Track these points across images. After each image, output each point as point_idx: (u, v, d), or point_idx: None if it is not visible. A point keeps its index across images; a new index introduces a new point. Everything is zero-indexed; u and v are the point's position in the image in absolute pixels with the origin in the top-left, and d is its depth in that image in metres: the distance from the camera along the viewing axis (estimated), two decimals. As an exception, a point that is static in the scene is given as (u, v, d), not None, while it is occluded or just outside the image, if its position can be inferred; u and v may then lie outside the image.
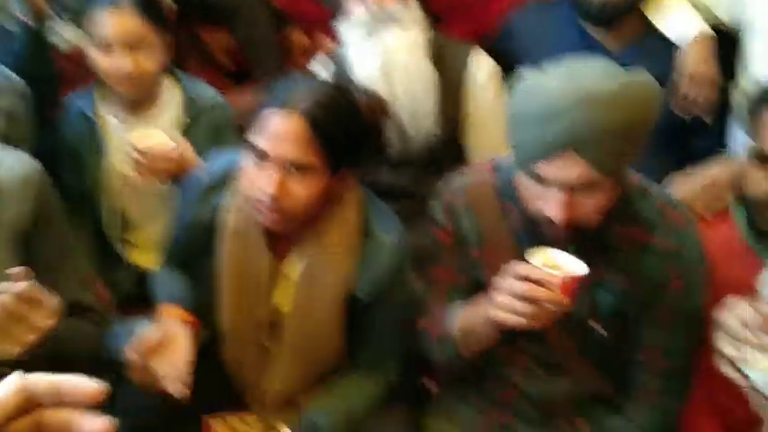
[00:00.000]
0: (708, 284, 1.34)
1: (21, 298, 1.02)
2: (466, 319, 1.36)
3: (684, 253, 1.31)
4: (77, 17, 1.78)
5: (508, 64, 1.85)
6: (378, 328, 1.42)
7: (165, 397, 1.26)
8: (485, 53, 1.85)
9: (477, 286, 1.41)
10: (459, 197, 1.40)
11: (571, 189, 1.18)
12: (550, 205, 1.20)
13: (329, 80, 1.33)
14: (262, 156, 1.25)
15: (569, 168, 1.16)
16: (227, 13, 2.01)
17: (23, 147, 1.61)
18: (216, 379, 1.41)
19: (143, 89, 1.69)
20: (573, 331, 1.37)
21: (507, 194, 1.36)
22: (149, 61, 1.66)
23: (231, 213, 1.35)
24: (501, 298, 1.18)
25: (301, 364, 1.41)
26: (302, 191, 1.25)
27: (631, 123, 1.16)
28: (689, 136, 1.89)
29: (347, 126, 1.29)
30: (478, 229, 1.39)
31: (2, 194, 1.21)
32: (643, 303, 1.34)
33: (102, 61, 1.65)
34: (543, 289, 1.13)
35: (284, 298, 1.39)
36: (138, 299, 1.81)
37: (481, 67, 1.81)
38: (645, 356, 1.37)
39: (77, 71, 1.85)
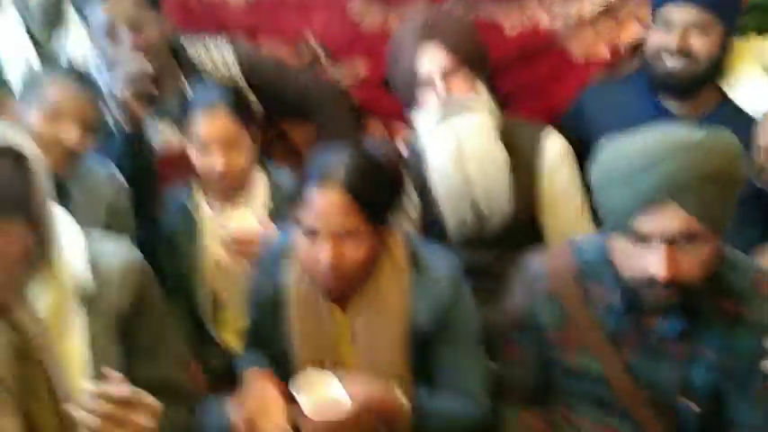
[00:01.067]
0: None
1: (121, 403, 1.05)
2: None
3: None
4: (176, 119, 1.95)
5: (580, 142, 1.87)
6: (455, 357, 1.44)
7: None
8: (556, 132, 1.88)
9: (553, 366, 1.43)
10: (539, 282, 1.41)
11: (673, 242, 1.17)
12: (652, 262, 1.18)
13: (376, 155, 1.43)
14: (313, 232, 1.33)
15: (670, 219, 1.16)
16: (309, 110, 2.13)
17: (124, 237, 1.77)
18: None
19: (235, 182, 1.82)
20: (663, 408, 1.34)
21: (589, 276, 1.37)
22: (241, 158, 1.81)
23: (293, 286, 1.44)
24: None
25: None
26: (356, 254, 1.34)
27: (726, 169, 1.17)
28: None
29: (381, 186, 1.37)
30: (560, 313, 1.39)
31: (103, 282, 1.27)
32: (737, 379, 1.30)
33: (199, 159, 1.81)
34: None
35: (348, 350, 1.44)
36: (230, 378, 1.88)
37: (553, 146, 1.85)
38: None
39: (176, 168, 2.00)
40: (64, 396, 1.18)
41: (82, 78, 1.73)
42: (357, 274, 1.37)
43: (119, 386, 1.07)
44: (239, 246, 1.70)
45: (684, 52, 1.78)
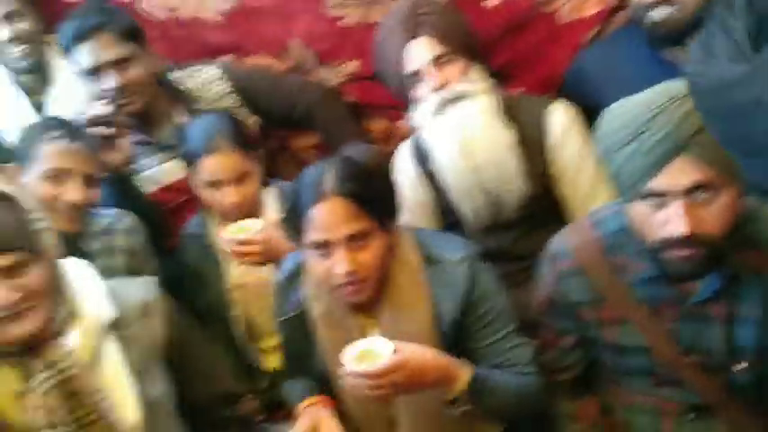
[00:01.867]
0: None
1: None
2: None
3: None
4: (176, 151, 1.92)
5: (584, 104, 1.85)
6: (487, 334, 1.44)
7: None
8: (561, 102, 1.85)
9: (593, 344, 1.43)
10: (565, 261, 1.41)
11: (689, 196, 1.15)
12: (672, 221, 1.16)
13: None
14: (323, 246, 1.34)
15: (682, 171, 1.14)
16: (304, 116, 2.10)
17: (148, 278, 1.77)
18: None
19: (249, 210, 1.81)
20: (713, 372, 1.33)
21: (615, 248, 1.35)
22: (251, 186, 1.80)
23: (314, 301, 1.45)
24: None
25: (422, 421, 1.43)
26: (369, 256, 1.35)
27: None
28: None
29: (374, 184, 1.38)
30: (590, 289, 1.38)
31: (126, 316, 1.34)
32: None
33: (211, 196, 1.80)
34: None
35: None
36: (281, 403, 1.90)
37: (559, 117, 1.81)
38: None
39: (184, 199, 2.00)
40: (117, 424, 1.26)
41: (74, 132, 1.68)
42: (374, 277, 1.38)
43: None
44: (240, 248, 1.69)
45: (666, 0, 1.74)
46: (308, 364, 1.54)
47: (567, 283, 1.41)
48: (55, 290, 1.26)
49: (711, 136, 1.11)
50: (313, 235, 1.35)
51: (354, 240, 1.33)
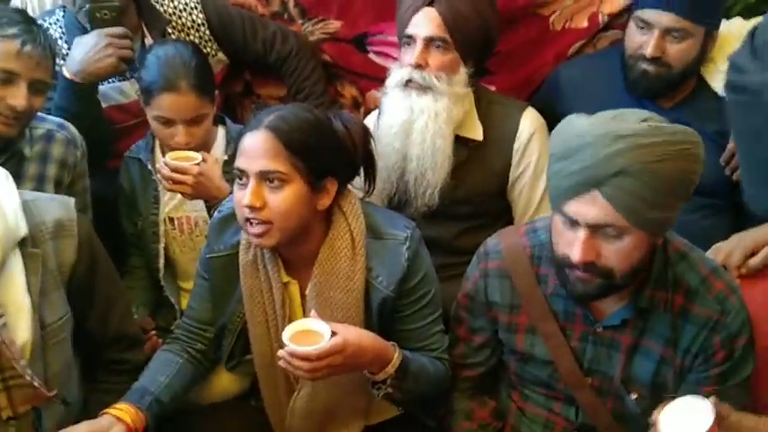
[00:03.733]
0: (753, 354, 1.31)
1: None
2: None
3: (727, 321, 1.28)
4: (136, 75, 1.86)
5: (553, 116, 1.80)
6: (414, 318, 1.43)
7: None
8: (533, 111, 1.84)
9: (501, 347, 1.44)
10: (493, 261, 1.42)
11: (592, 230, 1.18)
12: (573, 245, 1.20)
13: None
14: (240, 174, 1.33)
15: (592, 207, 1.17)
16: (276, 65, 2.07)
17: (76, 193, 1.72)
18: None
19: (195, 149, 1.75)
20: (608, 396, 1.36)
21: (541, 258, 1.37)
22: (202, 129, 1.75)
23: (244, 247, 1.43)
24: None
25: (323, 384, 1.40)
26: (281, 201, 1.32)
27: (659, 171, 1.14)
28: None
29: (316, 138, 1.35)
30: (513, 293, 1.40)
31: (37, 234, 1.30)
32: (680, 374, 1.32)
33: (160, 131, 1.74)
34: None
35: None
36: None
37: (529, 125, 1.80)
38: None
39: (134, 122, 1.94)
40: (6, 343, 1.22)
41: (31, 32, 1.56)
42: (284, 227, 1.33)
43: None
44: (173, 174, 1.64)
45: (658, 61, 1.74)
46: (211, 313, 1.50)
47: (490, 282, 1.42)
48: None
49: (633, 183, 1.14)
50: (238, 161, 1.35)
51: (268, 179, 1.31)
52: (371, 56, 2.12)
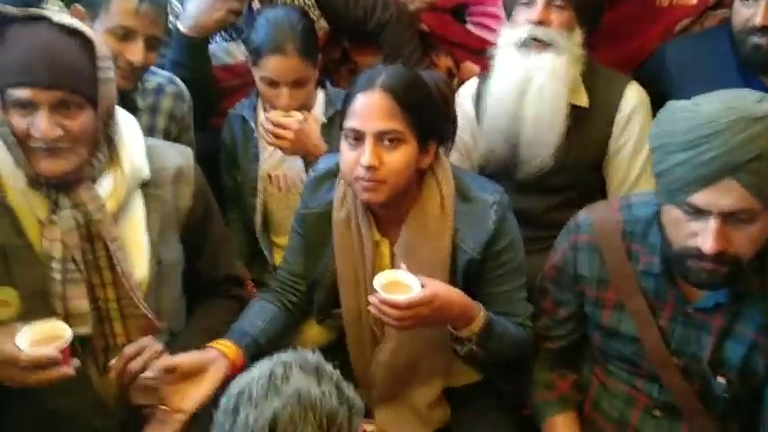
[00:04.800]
0: None
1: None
2: None
3: None
4: (243, 37, 1.95)
5: (657, 94, 1.81)
6: (500, 281, 1.45)
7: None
8: (638, 85, 1.81)
9: (587, 321, 1.44)
10: (584, 235, 1.41)
11: (726, 218, 1.15)
12: (703, 236, 1.16)
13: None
14: (355, 135, 1.35)
15: (726, 195, 1.13)
16: (375, 32, 2.11)
17: (184, 144, 1.80)
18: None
19: (298, 109, 1.82)
20: (694, 378, 1.34)
21: (634, 235, 1.35)
22: (305, 92, 1.82)
23: (338, 204, 1.46)
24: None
25: (406, 340, 1.45)
26: (396, 160, 1.35)
27: None
28: None
29: (426, 100, 1.38)
30: (602, 268, 1.39)
31: (159, 177, 1.38)
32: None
33: (266, 90, 1.82)
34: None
35: None
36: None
37: (633, 98, 1.78)
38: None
39: (239, 82, 2.03)
40: (125, 275, 1.31)
41: None
42: (394, 184, 1.36)
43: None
44: (275, 129, 1.73)
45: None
46: (304, 267, 1.56)
47: (580, 255, 1.41)
48: (98, 139, 1.29)
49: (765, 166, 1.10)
50: (350, 122, 1.36)
51: (385, 139, 1.34)
52: (469, 26, 2.14)
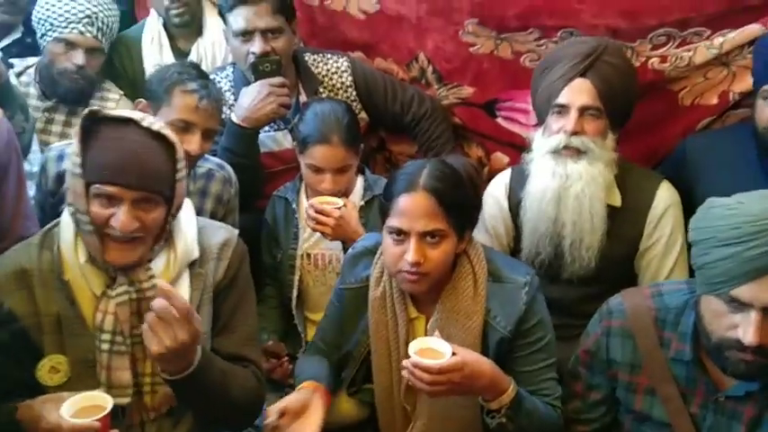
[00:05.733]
0: None
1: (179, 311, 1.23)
2: None
3: None
4: (290, 126, 2.10)
5: (678, 188, 1.87)
6: (529, 360, 1.49)
7: None
8: (670, 185, 1.86)
9: (618, 405, 1.45)
10: (617, 320, 1.45)
11: (765, 312, 1.19)
12: (744, 328, 1.20)
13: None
14: (400, 233, 1.43)
15: None
16: (411, 125, 2.24)
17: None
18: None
19: (339, 194, 1.93)
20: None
21: (666, 323, 1.39)
22: (349, 177, 1.95)
23: (374, 283, 1.54)
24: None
25: (437, 419, 1.48)
26: (439, 255, 1.43)
27: None
28: None
29: (464, 193, 1.47)
30: (634, 353, 1.42)
31: (205, 254, 1.45)
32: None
33: (310, 177, 1.94)
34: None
35: None
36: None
37: (665, 197, 1.83)
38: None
39: (284, 168, 2.17)
40: None
41: (208, 88, 1.78)
42: (436, 275, 1.45)
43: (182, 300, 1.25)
44: (317, 215, 1.81)
45: None
46: (339, 338, 1.62)
47: (612, 341, 1.45)
48: (165, 229, 1.37)
49: None
50: (395, 221, 1.44)
51: (429, 236, 1.42)
52: (500, 120, 2.24)
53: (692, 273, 1.76)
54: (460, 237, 1.47)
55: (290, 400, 1.48)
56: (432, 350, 1.35)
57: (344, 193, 1.94)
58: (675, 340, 1.37)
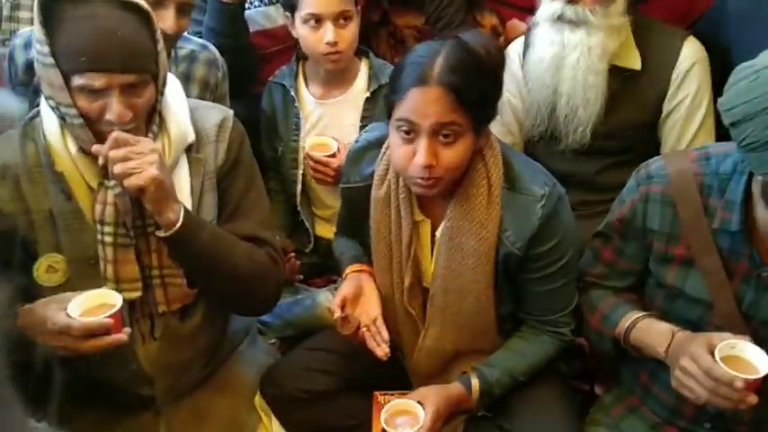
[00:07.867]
0: None
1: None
2: (647, 338, 1.31)
3: None
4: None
5: (716, 47, 1.72)
6: (541, 282, 1.38)
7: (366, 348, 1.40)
8: (695, 39, 1.73)
9: (648, 278, 1.36)
10: (657, 185, 1.31)
11: None
12: None
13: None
14: (410, 129, 1.26)
15: None
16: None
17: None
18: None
19: (340, 60, 1.77)
20: (763, 345, 1.22)
21: (712, 189, 1.26)
22: (350, 32, 1.76)
23: (378, 181, 1.40)
24: (687, 381, 1.19)
25: (450, 327, 1.42)
26: (453, 156, 1.26)
27: None
28: None
29: (484, 84, 1.27)
30: (673, 222, 1.30)
31: (202, 138, 1.35)
32: None
33: (309, 35, 1.75)
34: (725, 388, 1.14)
35: (427, 259, 1.41)
36: (321, 270, 1.92)
37: (690, 54, 1.70)
38: None
39: (279, 48, 1.98)
40: None
41: None
42: (450, 178, 1.29)
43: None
44: (316, 167, 1.75)
45: None
46: (358, 232, 1.53)
47: (650, 207, 1.32)
48: (154, 109, 1.27)
49: None
50: (403, 113, 1.26)
51: (442, 133, 1.24)
52: (514, -17, 2.04)
53: (717, 139, 1.68)
54: (478, 133, 1.29)
55: (345, 290, 1.45)
56: (405, 411, 1.36)
57: (345, 79, 1.79)
58: (721, 208, 1.24)
